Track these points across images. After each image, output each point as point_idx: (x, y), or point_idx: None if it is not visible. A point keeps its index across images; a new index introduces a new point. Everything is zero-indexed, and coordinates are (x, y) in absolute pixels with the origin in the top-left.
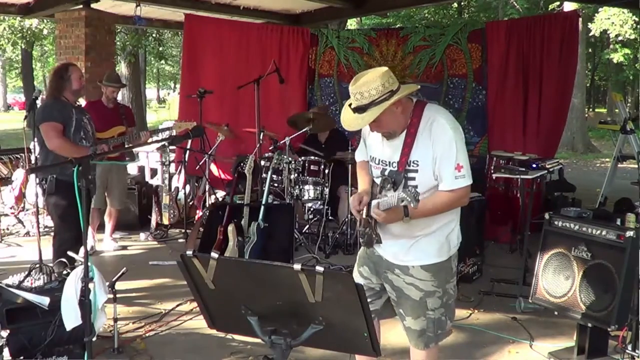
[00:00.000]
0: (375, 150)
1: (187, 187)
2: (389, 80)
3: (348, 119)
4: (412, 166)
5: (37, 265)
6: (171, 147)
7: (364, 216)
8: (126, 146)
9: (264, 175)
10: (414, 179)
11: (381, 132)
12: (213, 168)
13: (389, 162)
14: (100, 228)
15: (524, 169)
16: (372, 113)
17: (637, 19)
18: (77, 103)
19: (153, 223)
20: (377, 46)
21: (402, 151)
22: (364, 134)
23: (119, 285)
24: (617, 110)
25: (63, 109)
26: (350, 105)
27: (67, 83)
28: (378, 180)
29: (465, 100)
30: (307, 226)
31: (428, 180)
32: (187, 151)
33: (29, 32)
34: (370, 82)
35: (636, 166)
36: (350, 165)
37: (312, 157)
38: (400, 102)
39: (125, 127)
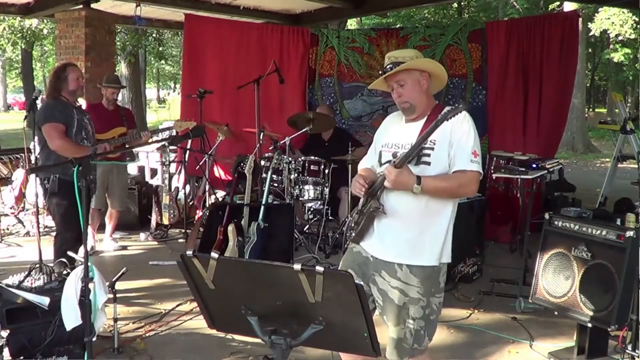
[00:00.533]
0: (391, 137)
1: (187, 187)
2: (422, 58)
3: (377, 81)
4: (429, 144)
5: (37, 265)
6: (172, 147)
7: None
8: (127, 146)
9: (264, 175)
10: (428, 155)
11: (402, 102)
12: (215, 168)
13: (403, 145)
14: (101, 228)
15: (524, 169)
16: (403, 65)
17: (637, 19)
18: (77, 104)
19: (153, 223)
20: (377, 46)
21: (420, 133)
22: (376, 137)
23: (119, 285)
24: (617, 110)
25: (64, 110)
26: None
27: (63, 83)
28: (383, 168)
29: (465, 100)
30: (307, 226)
31: (443, 160)
32: (187, 151)
33: (29, 32)
34: (407, 52)
35: (636, 166)
36: (350, 166)
37: (312, 157)
38: (427, 80)
39: (126, 128)
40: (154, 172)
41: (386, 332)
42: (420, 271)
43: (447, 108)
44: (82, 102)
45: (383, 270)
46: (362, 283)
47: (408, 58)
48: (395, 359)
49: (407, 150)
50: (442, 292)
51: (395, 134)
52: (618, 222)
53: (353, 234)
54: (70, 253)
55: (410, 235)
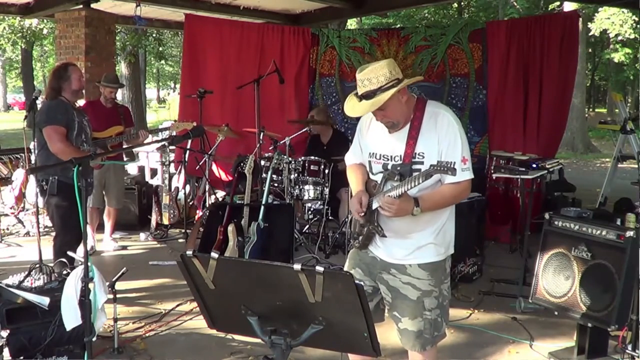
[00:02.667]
0: (376, 146)
1: (187, 187)
2: (395, 69)
3: (353, 106)
4: (418, 158)
5: (37, 265)
6: (171, 147)
7: (363, 215)
8: (125, 146)
9: (264, 175)
10: (419, 170)
11: (385, 122)
12: (214, 168)
13: (392, 157)
14: (100, 228)
15: (524, 169)
16: (381, 98)
17: (637, 19)
18: (77, 104)
19: (153, 223)
20: (378, 46)
21: (407, 143)
22: (360, 132)
23: (119, 285)
24: (617, 110)
25: (66, 112)
26: (355, 94)
27: (66, 83)
28: (377, 177)
29: (468, 99)
30: (307, 226)
31: None
32: (187, 151)
33: (29, 32)
34: (378, 69)
35: (636, 166)
36: None
37: (312, 157)
38: (405, 92)
39: (123, 127)
40: (154, 172)
41: (386, 333)
42: (428, 266)
43: (429, 102)
44: (80, 101)
45: (392, 268)
46: (362, 283)
47: (382, 78)
48: (419, 349)
49: (404, 182)
50: (449, 276)
51: (382, 143)
52: (618, 222)
53: (356, 244)
54: (70, 253)
55: (413, 241)
